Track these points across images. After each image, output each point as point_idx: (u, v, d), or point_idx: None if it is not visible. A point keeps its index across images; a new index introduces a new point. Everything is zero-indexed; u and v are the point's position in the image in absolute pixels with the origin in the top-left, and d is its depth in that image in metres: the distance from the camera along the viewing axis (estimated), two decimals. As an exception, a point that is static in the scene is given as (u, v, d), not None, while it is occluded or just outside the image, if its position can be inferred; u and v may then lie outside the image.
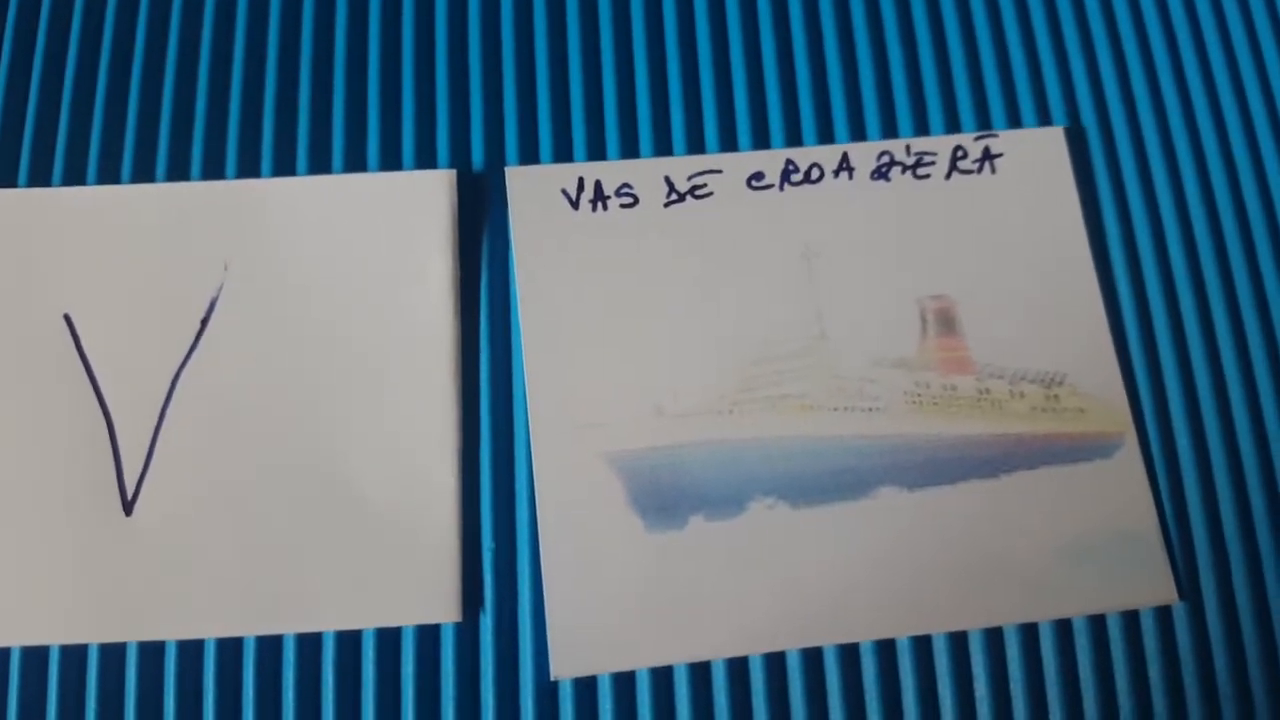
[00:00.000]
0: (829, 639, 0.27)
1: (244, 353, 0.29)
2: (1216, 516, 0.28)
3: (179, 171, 0.31)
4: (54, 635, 0.26)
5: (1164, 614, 0.28)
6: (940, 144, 0.32)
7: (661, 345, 0.29)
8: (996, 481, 0.28)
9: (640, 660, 0.27)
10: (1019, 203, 0.31)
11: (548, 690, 0.27)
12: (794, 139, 0.32)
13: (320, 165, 0.31)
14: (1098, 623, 0.27)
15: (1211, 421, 0.29)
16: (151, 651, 0.27)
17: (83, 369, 0.28)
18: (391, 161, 0.31)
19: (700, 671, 0.27)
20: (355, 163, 0.31)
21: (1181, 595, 0.28)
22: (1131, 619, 0.28)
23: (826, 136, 0.32)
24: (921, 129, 0.32)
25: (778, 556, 0.27)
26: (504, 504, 0.28)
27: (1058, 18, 0.34)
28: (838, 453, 0.28)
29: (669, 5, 0.33)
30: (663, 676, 0.27)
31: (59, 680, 0.27)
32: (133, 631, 0.26)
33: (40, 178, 0.31)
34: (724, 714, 0.27)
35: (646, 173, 0.31)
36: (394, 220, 0.30)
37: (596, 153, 0.31)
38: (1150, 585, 0.28)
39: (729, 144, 0.32)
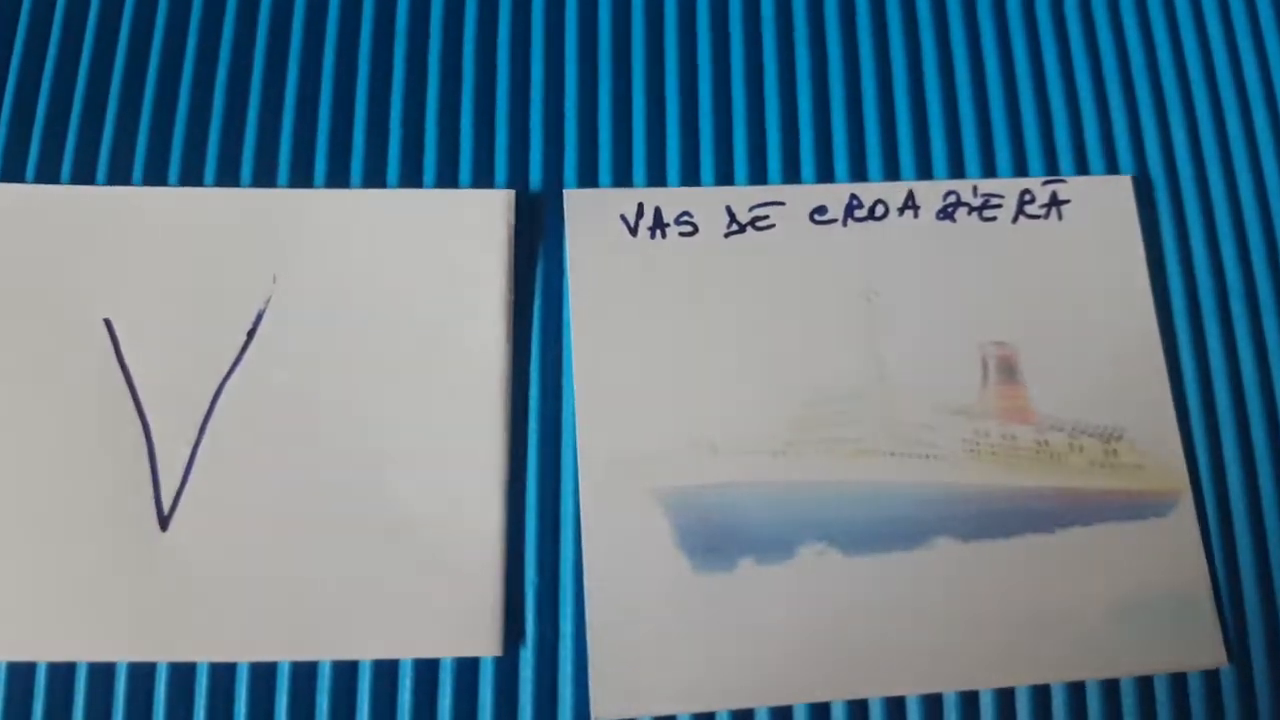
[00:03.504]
0: (875, 691, 0.27)
1: (289, 369, 0.28)
2: (1269, 580, 0.28)
3: (229, 177, 0.30)
4: (81, 652, 0.26)
5: (1212, 677, 0.27)
6: (1008, 186, 0.31)
7: (715, 380, 0.29)
8: (1052, 536, 0.28)
9: (682, 704, 0.26)
10: (1084, 251, 0.31)
11: (588, 731, 0.26)
12: (859, 174, 0.31)
13: (375, 179, 0.30)
14: (1145, 684, 0.27)
15: (1268, 484, 0.29)
16: (182, 673, 0.26)
17: (122, 376, 0.28)
18: (448, 178, 0.30)
19: (743, 719, 0.26)
20: (411, 178, 0.30)
21: (1230, 659, 0.27)
22: (1179, 681, 0.27)
23: (892, 173, 0.31)
24: (989, 170, 0.32)
25: (827, 604, 0.27)
26: (549, 537, 0.28)
27: (1129, 66, 0.33)
28: (892, 500, 0.28)
29: (735, 34, 0.33)
30: (705, 723, 0.26)
31: (85, 699, 0.26)
32: (163, 652, 0.26)
33: (84, 175, 0.30)
34: (768, 765, 0.26)
35: (707, 201, 0.30)
36: (449, 239, 0.29)
37: (657, 178, 0.31)
38: (1199, 648, 0.27)
39: (792, 176, 0.31)
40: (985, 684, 0.27)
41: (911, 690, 0.27)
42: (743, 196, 0.30)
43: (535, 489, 0.28)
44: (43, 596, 0.26)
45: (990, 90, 0.33)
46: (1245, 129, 0.32)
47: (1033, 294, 0.30)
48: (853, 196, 0.31)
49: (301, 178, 0.30)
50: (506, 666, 0.27)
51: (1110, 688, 0.27)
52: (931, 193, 0.31)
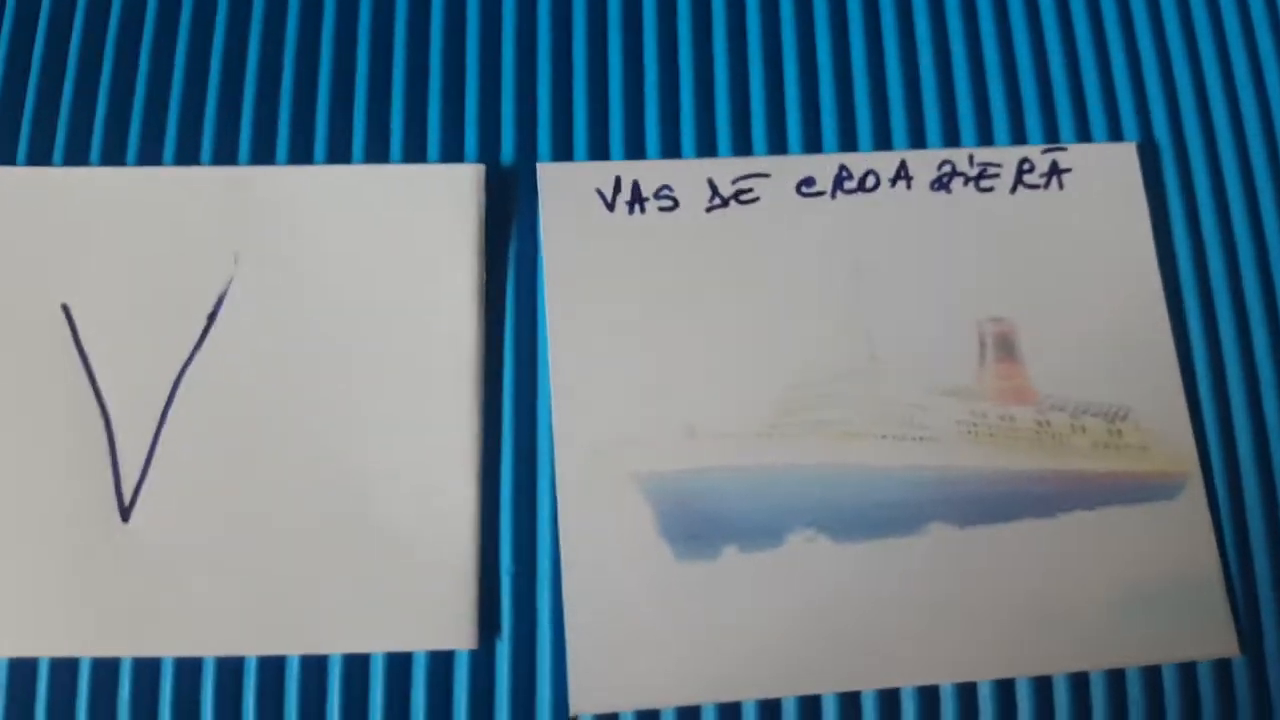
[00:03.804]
0: (868, 683, 0.26)
1: (252, 353, 0.27)
2: (1284, 565, 0.27)
3: (188, 155, 0.29)
4: (43, 648, 0.25)
5: (1223, 667, 0.26)
6: (1005, 155, 0.30)
7: (697, 360, 0.28)
8: (1053, 521, 0.27)
9: (665, 698, 0.25)
10: (1087, 222, 0.29)
11: (566, 727, 0.25)
12: (848, 143, 0.30)
13: (340, 154, 0.30)
14: (1152, 674, 0.26)
15: (1282, 464, 0.28)
16: (147, 669, 0.25)
17: (80, 364, 0.27)
18: (416, 153, 0.30)
19: (729, 713, 0.26)
20: (377, 153, 0.30)
21: (1243, 648, 0.26)
22: (1188, 671, 0.26)
23: (884, 142, 0.30)
24: (985, 138, 0.30)
25: (816, 593, 0.26)
26: (525, 524, 0.27)
27: (1132, 26, 0.32)
28: (884, 484, 0.27)
29: (718, -4, 0.32)
30: (689, 717, 0.26)
31: (47, 696, 0.25)
32: (127, 647, 0.25)
33: (40, 156, 0.29)
34: (754, 761, 0.25)
35: (688, 174, 0.29)
36: (417, 216, 0.28)
37: (635, 151, 0.30)
38: (1210, 636, 0.26)
39: (778, 146, 0.30)
40: (983, 675, 0.26)
41: (906, 682, 0.26)
42: (725, 168, 0.29)
43: (510, 475, 0.27)
44: (1, 591, 0.25)
45: (986, 53, 0.31)
46: (1257, 92, 0.31)
47: (1032, 268, 0.29)
48: (842, 167, 0.30)
49: (263, 154, 0.29)
50: (482, 659, 0.26)
51: (1116, 679, 0.26)
52: (925, 162, 0.30)
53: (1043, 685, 0.26)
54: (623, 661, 0.25)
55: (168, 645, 0.25)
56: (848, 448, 0.27)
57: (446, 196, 0.29)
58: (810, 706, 0.26)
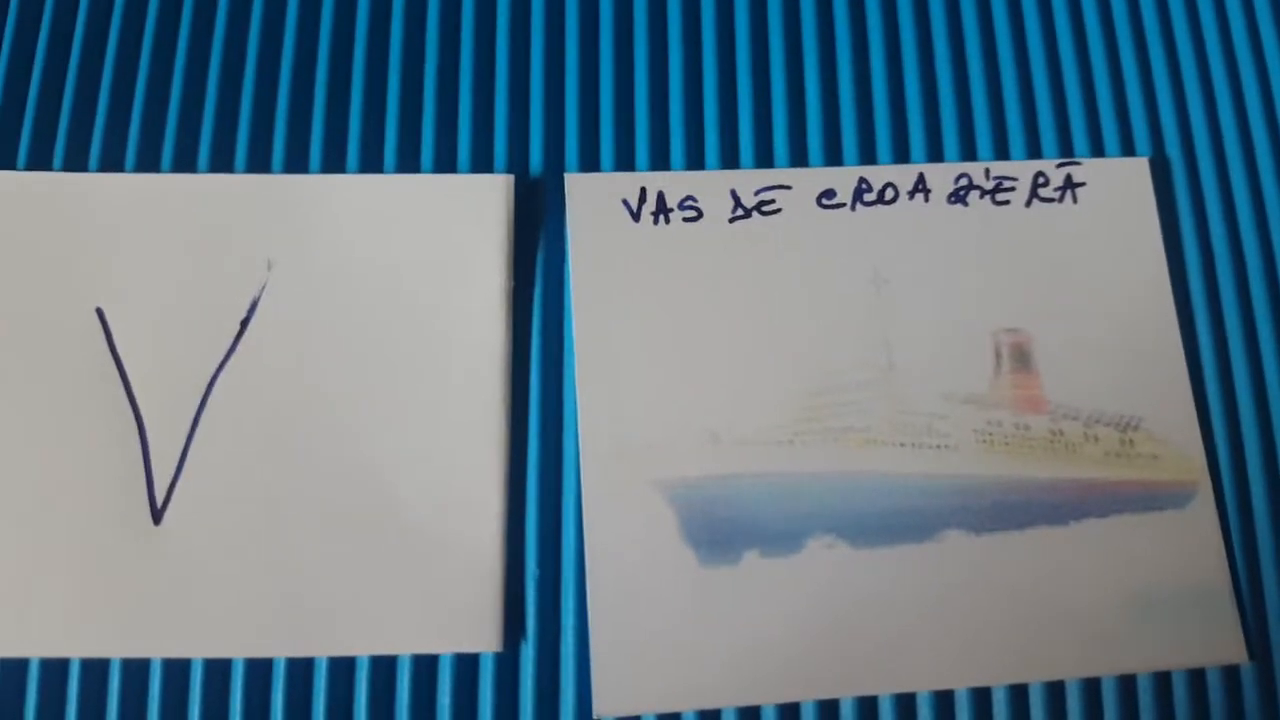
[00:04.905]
0: (885, 688, 0.26)
1: (284, 358, 0.27)
2: (1291, 573, 0.27)
3: (223, 162, 0.30)
4: (74, 648, 0.25)
5: (1232, 674, 0.27)
6: (1021, 169, 0.30)
7: (720, 369, 0.28)
8: (1066, 529, 0.27)
9: (687, 702, 0.26)
10: (1100, 235, 0.30)
11: (590, 729, 0.26)
12: (868, 156, 0.31)
13: (372, 164, 0.30)
14: (1162, 680, 0.27)
15: (1289, 473, 0.28)
16: (176, 670, 0.26)
17: (114, 367, 0.27)
18: (446, 163, 0.30)
19: (749, 716, 0.26)
20: (408, 163, 0.30)
21: (1251, 655, 0.27)
22: (1198, 678, 0.27)
23: (902, 155, 0.31)
24: (1001, 152, 0.31)
25: (835, 598, 0.26)
26: (550, 529, 0.27)
27: (1145, 45, 0.32)
28: (902, 492, 0.27)
29: (741, 12, 0.32)
30: (710, 720, 0.26)
31: (78, 696, 0.25)
32: (157, 648, 0.25)
33: (76, 162, 0.29)
34: (775, 763, 0.26)
35: (712, 185, 0.30)
36: (447, 225, 0.29)
37: (660, 162, 0.30)
38: (1219, 643, 0.27)
39: (799, 159, 0.30)
40: (998, 680, 0.26)
41: (922, 687, 0.26)
42: (748, 180, 0.30)
43: (536, 480, 0.27)
44: (34, 591, 0.25)
45: (1003, 70, 0.32)
46: (1265, 108, 0.32)
47: (1047, 279, 0.29)
48: (861, 180, 0.30)
49: (297, 163, 0.30)
50: (507, 662, 0.26)
51: (1126, 685, 0.26)
52: (942, 175, 0.30)
53: (1055, 690, 0.26)
54: (646, 665, 0.26)
55: (197, 647, 0.25)
56: (867, 455, 0.27)
57: (476, 206, 0.29)
58: (828, 710, 0.26)
